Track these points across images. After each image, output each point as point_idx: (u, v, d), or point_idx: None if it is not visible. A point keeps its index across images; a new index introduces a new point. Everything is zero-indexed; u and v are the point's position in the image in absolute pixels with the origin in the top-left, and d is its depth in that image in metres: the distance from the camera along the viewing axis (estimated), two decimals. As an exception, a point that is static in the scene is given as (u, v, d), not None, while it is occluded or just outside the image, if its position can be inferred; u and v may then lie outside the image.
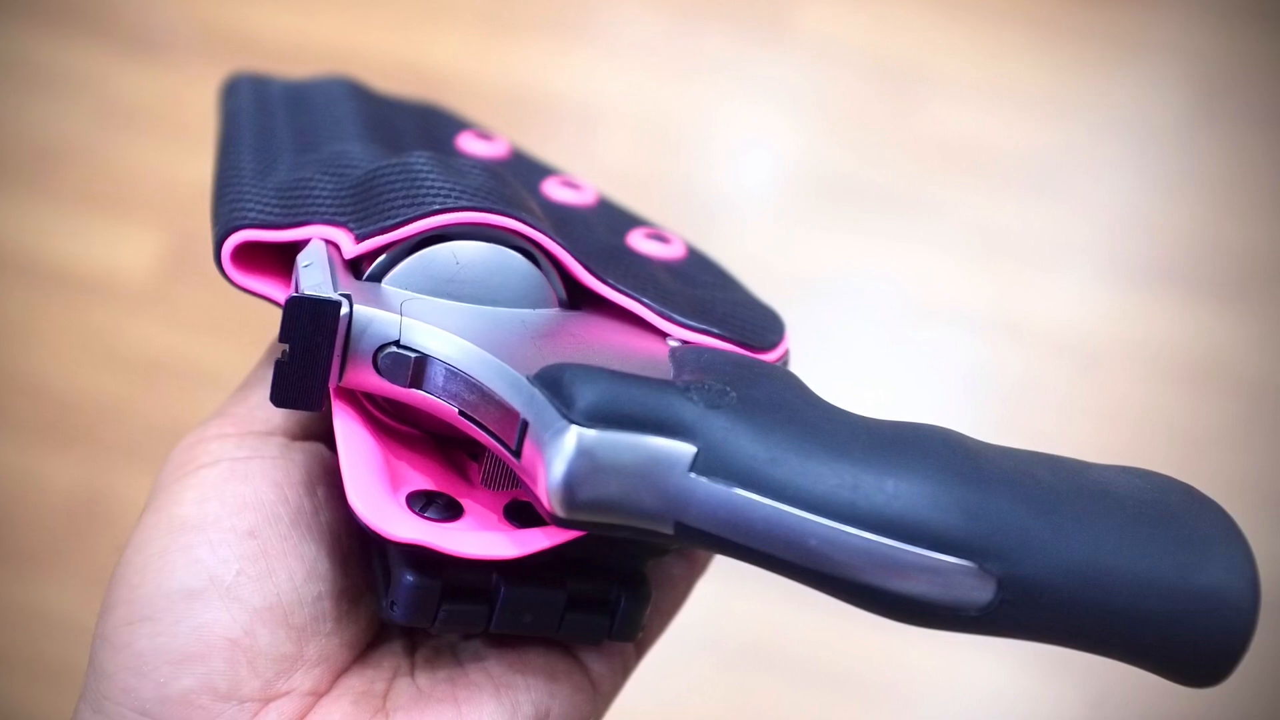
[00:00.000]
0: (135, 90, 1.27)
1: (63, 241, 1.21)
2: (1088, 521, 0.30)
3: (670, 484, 0.30)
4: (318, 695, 0.34)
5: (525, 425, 0.31)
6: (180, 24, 1.30)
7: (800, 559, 0.30)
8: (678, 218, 0.56)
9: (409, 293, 0.35)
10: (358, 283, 0.35)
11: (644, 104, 1.25)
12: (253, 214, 0.37)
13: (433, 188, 0.36)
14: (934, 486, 0.30)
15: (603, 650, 0.37)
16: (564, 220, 0.41)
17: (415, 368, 0.34)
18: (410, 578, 0.33)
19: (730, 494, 0.30)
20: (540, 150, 0.48)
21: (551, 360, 0.32)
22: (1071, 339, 1.14)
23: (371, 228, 0.36)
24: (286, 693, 0.33)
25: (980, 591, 0.30)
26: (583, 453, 0.30)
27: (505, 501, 0.35)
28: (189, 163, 1.03)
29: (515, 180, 0.39)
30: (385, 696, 0.34)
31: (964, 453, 0.31)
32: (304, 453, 0.36)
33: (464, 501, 0.34)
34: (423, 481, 0.34)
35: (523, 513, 0.34)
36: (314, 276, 0.34)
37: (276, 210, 0.37)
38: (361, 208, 0.36)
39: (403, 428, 0.36)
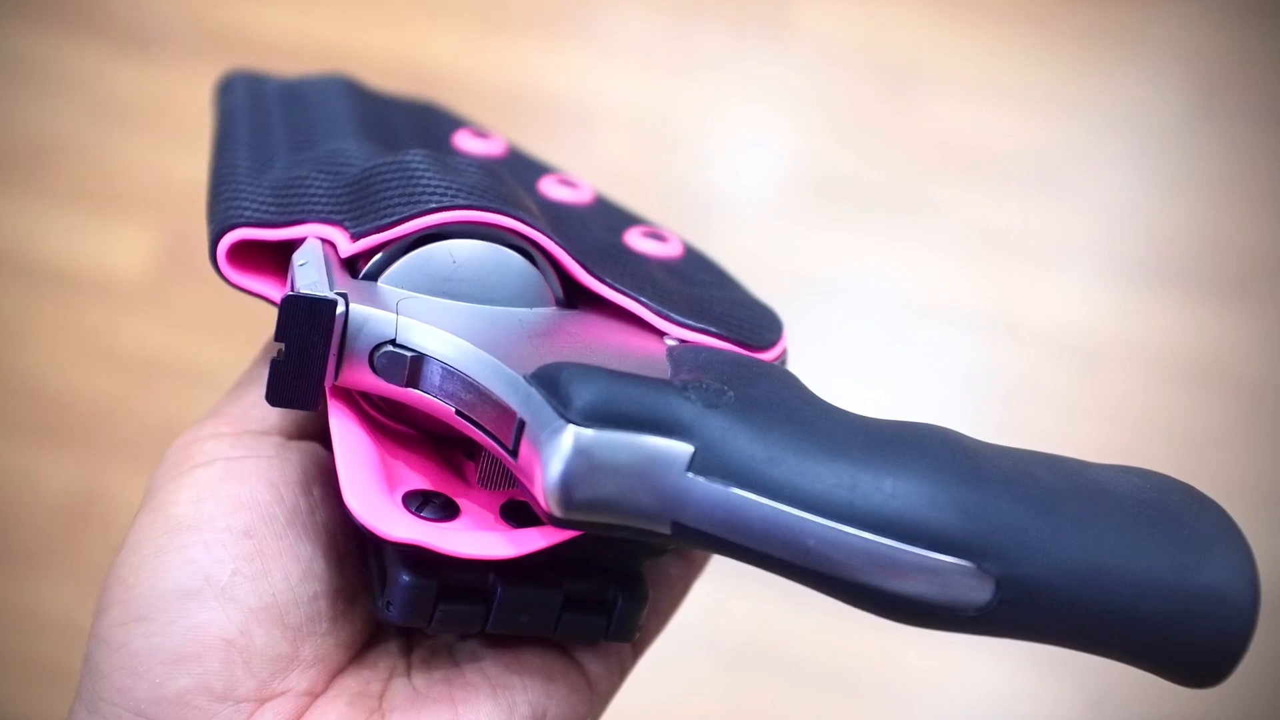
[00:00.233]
0: (130, 88, 1.27)
1: (57, 240, 1.21)
2: (1087, 521, 0.30)
3: (667, 484, 0.30)
4: (313, 696, 0.34)
5: (522, 425, 0.31)
6: (175, 21, 1.30)
7: (798, 559, 0.30)
8: (675, 216, 0.56)
9: (405, 291, 0.35)
10: (354, 281, 0.35)
11: (642, 102, 1.25)
12: (248, 212, 0.36)
13: (429, 186, 0.36)
14: (932, 486, 0.30)
15: (600, 650, 0.37)
16: (561, 219, 0.41)
17: (411, 367, 0.33)
18: (406, 578, 0.32)
19: (728, 494, 0.30)
20: (537, 148, 0.48)
21: (548, 359, 0.32)
22: (1071, 338, 1.14)
23: (368, 226, 0.35)
24: (282, 693, 0.33)
25: (979, 591, 0.30)
26: (580, 452, 0.30)
27: (502, 501, 0.34)
28: (184, 161, 1.03)
29: (512, 178, 0.39)
30: (381, 697, 0.34)
31: (963, 452, 0.31)
32: (300, 452, 0.36)
33: (460, 501, 0.34)
34: (419, 481, 0.34)
35: (519, 512, 0.34)
36: (310, 275, 0.34)
37: (272, 208, 0.37)
38: (357, 206, 0.36)
39: (399, 427, 0.36)
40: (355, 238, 0.35)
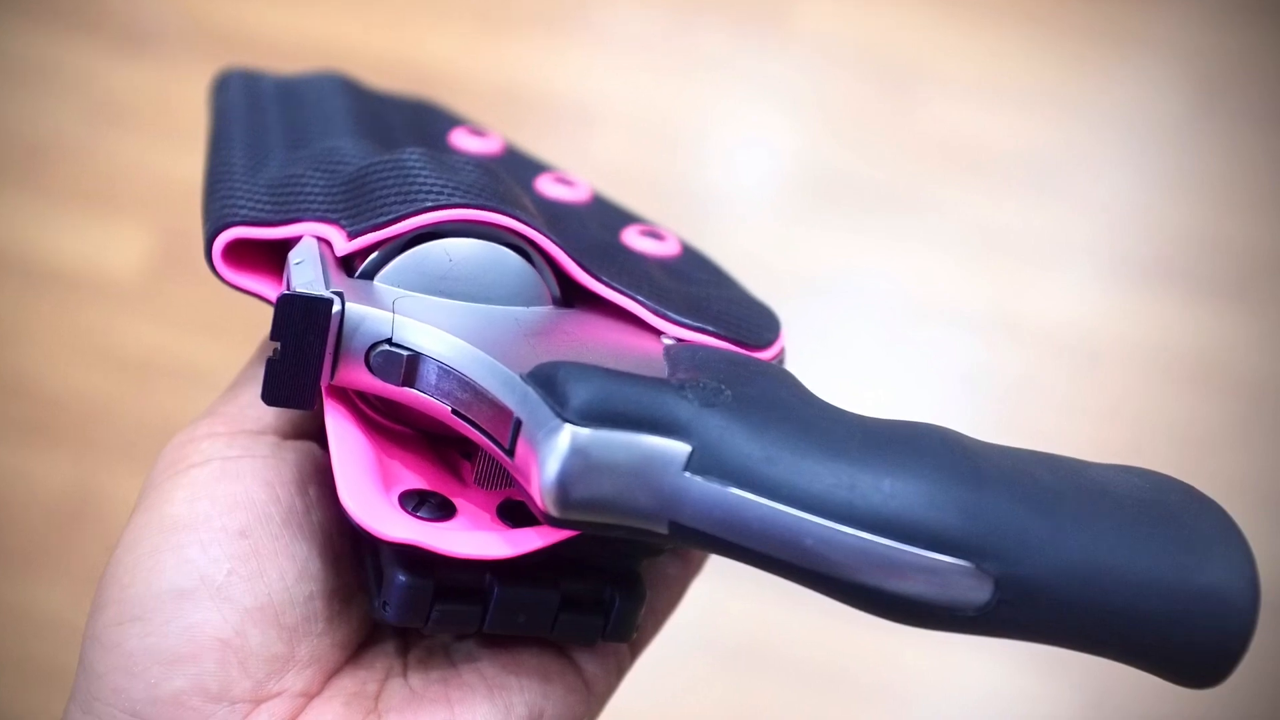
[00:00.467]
0: (125, 86, 1.27)
1: (52, 239, 1.21)
2: (1086, 521, 0.30)
3: (665, 483, 0.30)
4: (309, 696, 0.34)
5: (519, 424, 0.31)
6: (171, 19, 1.29)
7: (796, 559, 0.30)
8: (673, 215, 0.56)
9: (402, 290, 0.35)
10: (350, 280, 0.35)
11: (640, 101, 1.25)
12: (244, 211, 0.36)
13: (425, 184, 0.36)
14: (931, 486, 0.30)
15: (597, 651, 0.37)
16: (558, 217, 0.41)
17: (408, 366, 0.33)
18: (403, 578, 0.32)
19: (725, 493, 0.30)
20: (534, 147, 0.48)
21: (545, 358, 0.32)
22: (1071, 338, 1.14)
23: (364, 225, 0.35)
24: (278, 693, 0.33)
25: (977, 591, 0.29)
26: (576, 451, 0.30)
27: (498, 501, 0.34)
28: (180, 159, 1.03)
29: (509, 177, 0.39)
30: (377, 697, 0.34)
31: (962, 452, 0.31)
32: (296, 452, 0.36)
33: (457, 501, 0.34)
34: (415, 481, 0.34)
35: (516, 512, 0.34)
36: (306, 274, 0.34)
37: (268, 207, 0.37)
38: (354, 205, 0.36)
39: (395, 426, 0.36)
40: (351, 236, 0.35)
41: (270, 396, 0.33)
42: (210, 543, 0.33)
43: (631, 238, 0.42)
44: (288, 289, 0.33)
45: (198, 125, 0.47)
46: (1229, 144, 1.22)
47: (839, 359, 1.13)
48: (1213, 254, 1.17)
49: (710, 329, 0.37)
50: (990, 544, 0.29)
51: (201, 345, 1.14)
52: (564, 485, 0.30)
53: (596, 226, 0.42)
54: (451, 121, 0.48)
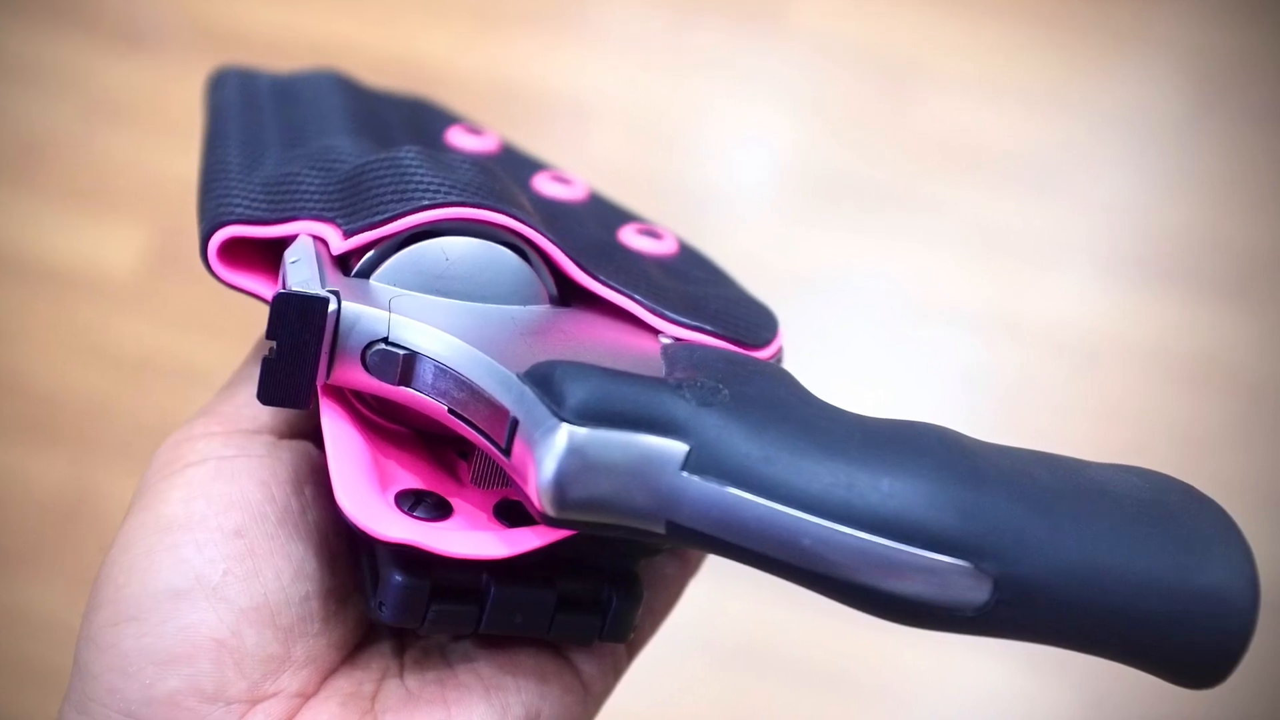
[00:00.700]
0: (121, 84, 1.27)
1: (48, 237, 1.21)
2: (1085, 521, 0.30)
3: (662, 483, 0.30)
4: (305, 697, 0.34)
5: (515, 423, 0.31)
6: (166, 17, 1.29)
7: (794, 559, 0.30)
8: (671, 214, 0.56)
9: (398, 289, 0.35)
10: (346, 279, 0.35)
11: (637, 99, 1.25)
12: (239, 209, 0.36)
13: (421, 183, 0.36)
14: (930, 485, 0.30)
15: (594, 651, 0.37)
16: (555, 216, 0.41)
17: (404, 365, 0.33)
18: (399, 578, 0.32)
19: (723, 493, 0.30)
20: (531, 145, 0.48)
21: (542, 357, 0.32)
22: (1070, 337, 1.14)
23: (360, 223, 0.35)
24: (274, 694, 0.33)
25: (976, 592, 0.29)
26: (573, 451, 0.30)
27: (495, 500, 0.34)
28: (175, 157, 1.03)
29: (505, 175, 0.39)
30: (374, 698, 0.34)
31: (960, 451, 0.31)
32: (291, 451, 0.36)
33: (453, 500, 0.34)
34: (412, 480, 0.34)
35: (513, 512, 0.34)
36: (301, 273, 0.34)
37: (263, 205, 0.37)
38: (350, 203, 0.36)
39: (391, 426, 0.36)
40: (347, 235, 0.35)
41: (266, 396, 0.33)
42: (206, 543, 0.33)
43: (629, 236, 0.42)
44: (283, 288, 0.33)
45: (193, 123, 0.47)
46: (1229, 143, 1.22)
47: (837, 358, 1.13)
48: (1213, 253, 1.17)
49: (708, 328, 0.37)
50: (989, 544, 0.29)
51: (197, 344, 1.14)
52: (561, 485, 0.30)
53: (594, 225, 0.42)
54: (448, 120, 0.48)
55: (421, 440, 0.36)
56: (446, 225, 0.35)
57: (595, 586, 0.35)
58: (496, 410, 0.32)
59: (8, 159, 1.25)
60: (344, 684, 0.34)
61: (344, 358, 0.33)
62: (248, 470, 0.34)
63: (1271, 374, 1.13)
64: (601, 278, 0.37)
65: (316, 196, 0.37)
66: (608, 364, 0.32)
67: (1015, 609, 0.30)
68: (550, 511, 0.30)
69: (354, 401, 0.35)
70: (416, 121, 0.46)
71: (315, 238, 0.36)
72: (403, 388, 0.34)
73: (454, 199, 0.35)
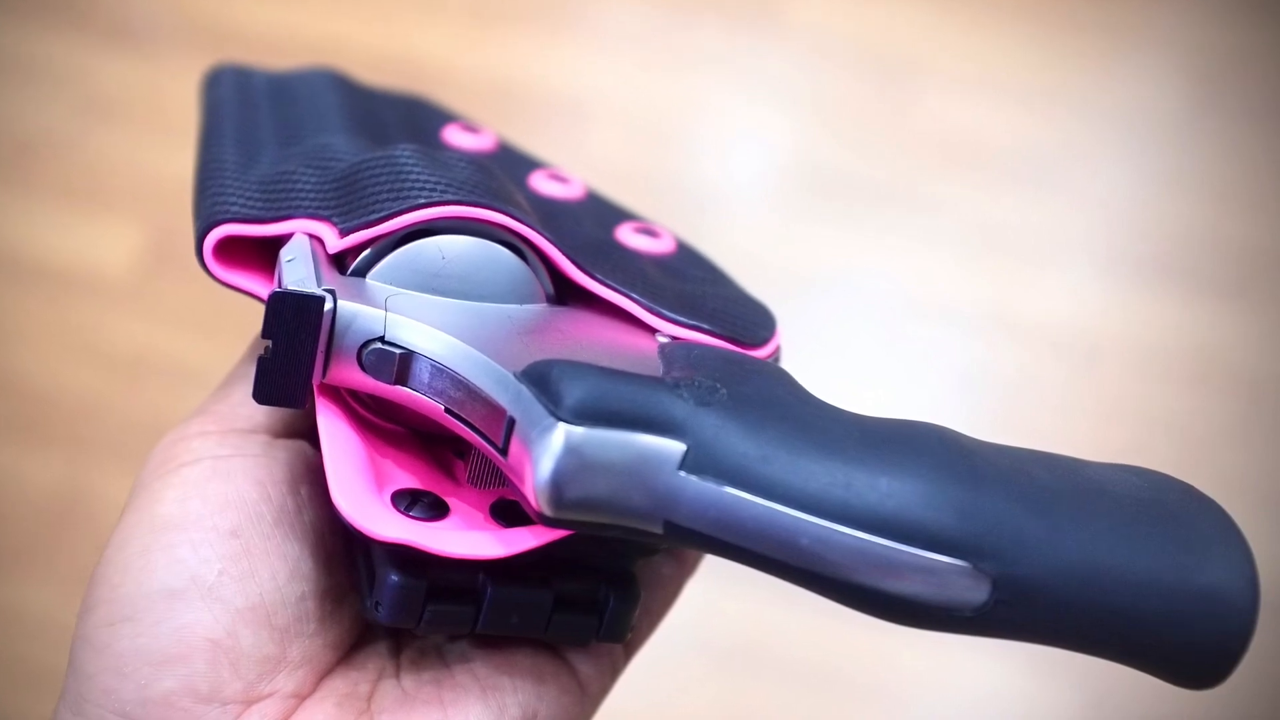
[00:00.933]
0: (115, 82, 1.27)
1: (42, 236, 1.21)
2: (1084, 521, 0.30)
3: (659, 482, 0.30)
4: (301, 697, 0.34)
5: (512, 423, 0.31)
6: (161, 14, 1.29)
7: (792, 559, 0.30)
8: (668, 212, 0.56)
9: (394, 288, 0.35)
10: (342, 278, 0.35)
11: (634, 97, 1.25)
12: (235, 208, 0.36)
13: (418, 181, 0.36)
14: (928, 485, 0.30)
15: (591, 651, 0.37)
16: (551, 214, 0.40)
17: (400, 364, 0.33)
18: (395, 578, 0.32)
19: (720, 492, 0.30)
20: (528, 143, 0.48)
21: (539, 357, 0.32)
22: (1069, 336, 1.14)
23: (356, 222, 0.35)
24: (269, 694, 0.33)
25: (975, 592, 0.29)
26: (570, 451, 0.29)
27: (492, 500, 0.34)
28: (170, 156, 1.02)
29: (502, 174, 0.39)
30: (370, 699, 0.34)
31: (959, 451, 0.31)
32: (287, 450, 0.36)
33: (450, 500, 0.34)
34: (408, 480, 0.34)
35: (509, 511, 0.34)
36: (297, 271, 0.34)
37: (259, 204, 0.37)
38: (346, 201, 0.36)
39: (388, 425, 0.36)
40: (343, 233, 0.35)
41: (261, 395, 0.33)
42: (201, 542, 0.33)
43: (626, 235, 0.42)
44: (279, 286, 0.33)
45: (189, 121, 0.47)
46: (1228, 142, 1.22)
47: (835, 357, 1.13)
48: (1212, 252, 1.17)
49: (705, 327, 0.37)
50: (987, 544, 0.29)
51: (192, 343, 1.14)
52: (558, 485, 0.30)
53: (591, 223, 0.42)
54: (444, 118, 0.48)
55: (418, 440, 0.36)
56: (443, 224, 0.35)
57: (592, 587, 0.35)
58: (493, 410, 0.32)
59: (1, 157, 1.25)
60: (340, 684, 0.34)
61: (340, 357, 0.33)
62: (243, 470, 0.34)
63: (1271, 373, 1.13)
64: (599, 276, 0.37)
65: (312, 195, 0.37)
66: (605, 363, 0.32)
67: (1014, 609, 0.29)
68: (547, 511, 0.30)
69: (350, 401, 0.35)
70: (413, 120, 0.46)
71: (311, 236, 0.36)
72: (399, 387, 0.33)
73: (450, 197, 0.35)
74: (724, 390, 0.31)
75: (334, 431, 0.34)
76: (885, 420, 0.32)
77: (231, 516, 0.33)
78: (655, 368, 0.33)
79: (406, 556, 0.32)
